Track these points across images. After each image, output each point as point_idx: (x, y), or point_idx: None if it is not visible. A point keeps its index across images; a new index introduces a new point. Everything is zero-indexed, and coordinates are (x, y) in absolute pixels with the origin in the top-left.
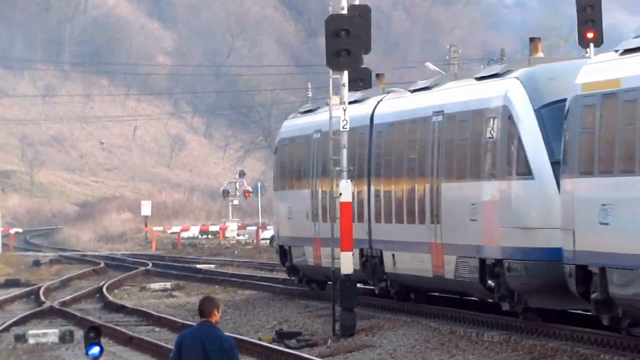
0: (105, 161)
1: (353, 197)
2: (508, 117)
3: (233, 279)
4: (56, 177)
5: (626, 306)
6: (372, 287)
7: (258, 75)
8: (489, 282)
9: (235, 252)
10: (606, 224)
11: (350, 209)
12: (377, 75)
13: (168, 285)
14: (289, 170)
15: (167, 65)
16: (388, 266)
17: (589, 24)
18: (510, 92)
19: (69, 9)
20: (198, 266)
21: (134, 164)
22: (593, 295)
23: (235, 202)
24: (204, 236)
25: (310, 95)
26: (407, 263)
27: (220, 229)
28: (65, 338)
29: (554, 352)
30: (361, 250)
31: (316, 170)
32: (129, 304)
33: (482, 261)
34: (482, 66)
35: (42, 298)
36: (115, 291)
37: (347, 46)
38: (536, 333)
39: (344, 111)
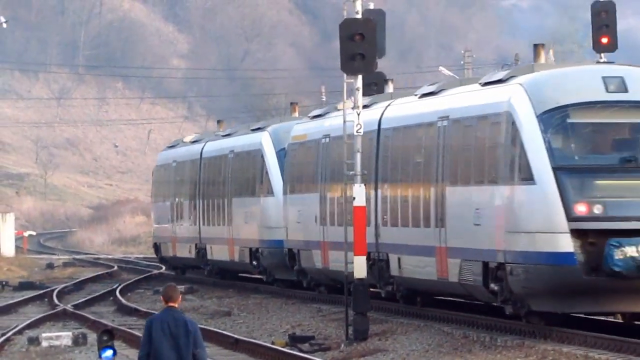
0: (119, 164)
1: (190, 208)
2: (261, 157)
3: (246, 282)
4: (70, 180)
5: (310, 273)
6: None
7: (272, 78)
8: (253, 262)
9: None
10: (299, 222)
11: (365, 213)
12: (218, 122)
13: (182, 288)
14: (159, 187)
15: (181, 68)
16: (209, 255)
17: (603, 29)
18: (265, 141)
19: (84, 12)
20: None
21: (148, 167)
22: (295, 267)
23: None
24: None
25: (324, 99)
26: (218, 253)
27: None
28: (79, 341)
29: (567, 357)
30: (195, 245)
31: (174, 188)
32: (142, 307)
33: (250, 250)
34: (497, 70)
35: (56, 301)
36: (129, 294)
37: (361, 50)
38: (549, 338)
39: (357, 115)
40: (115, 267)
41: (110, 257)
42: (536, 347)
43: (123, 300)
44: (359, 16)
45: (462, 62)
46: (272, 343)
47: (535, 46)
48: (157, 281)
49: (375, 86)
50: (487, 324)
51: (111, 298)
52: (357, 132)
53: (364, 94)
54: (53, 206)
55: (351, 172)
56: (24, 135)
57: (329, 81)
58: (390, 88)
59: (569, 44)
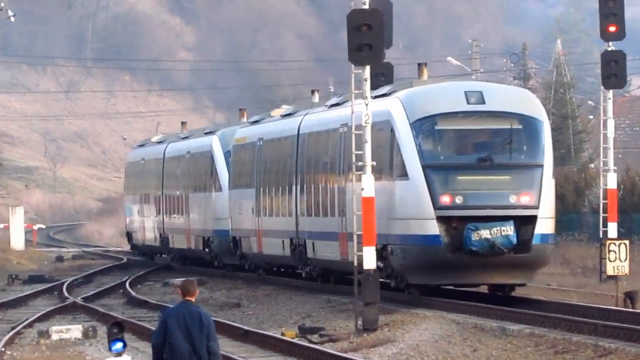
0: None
1: (155, 201)
2: (211, 157)
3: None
4: (79, 172)
5: (249, 257)
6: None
7: (279, 70)
8: (206, 249)
9: None
10: (240, 214)
11: (374, 204)
12: (182, 123)
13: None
14: (131, 182)
15: (188, 60)
16: (171, 244)
17: (611, 17)
18: (214, 144)
19: (91, 5)
20: None
21: None
22: (238, 253)
23: None
24: None
25: (332, 90)
26: (178, 241)
27: None
28: (89, 334)
29: (577, 346)
30: (160, 234)
31: (142, 183)
32: (152, 299)
33: (203, 238)
34: (504, 60)
35: (66, 294)
36: (139, 286)
37: (368, 41)
38: (559, 327)
39: (366, 106)
40: (125, 260)
41: (119, 249)
42: (546, 337)
43: (133, 293)
44: (366, 7)
45: (469, 52)
46: (282, 334)
47: (419, 65)
48: (167, 273)
49: (382, 77)
50: (498, 313)
51: (121, 290)
52: (365, 122)
53: (371, 85)
54: (62, 199)
55: (360, 163)
56: (32, 129)
57: (336, 72)
58: (316, 98)
59: (575, 32)
